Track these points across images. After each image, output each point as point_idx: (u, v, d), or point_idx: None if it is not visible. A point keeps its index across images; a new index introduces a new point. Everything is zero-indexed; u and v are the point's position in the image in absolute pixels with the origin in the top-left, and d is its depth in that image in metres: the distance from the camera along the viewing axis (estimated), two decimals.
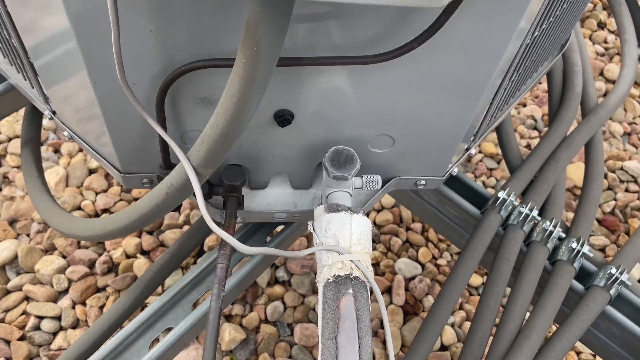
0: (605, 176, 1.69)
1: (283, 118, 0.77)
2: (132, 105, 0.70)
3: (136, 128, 0.81)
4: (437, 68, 0.73)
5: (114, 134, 0.82)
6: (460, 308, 1.35)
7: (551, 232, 1.03)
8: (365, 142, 0.86)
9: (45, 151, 1.54)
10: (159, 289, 1.25)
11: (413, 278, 1.37)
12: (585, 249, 1.00)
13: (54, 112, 0.92)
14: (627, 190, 1.68)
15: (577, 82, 1.17)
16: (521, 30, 0.69)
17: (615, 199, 1.64)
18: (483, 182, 1.62)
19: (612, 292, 0.94)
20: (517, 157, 1.16)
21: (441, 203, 1.14)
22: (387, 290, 1.40)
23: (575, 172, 1.66)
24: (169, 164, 0.84)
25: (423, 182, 0.97)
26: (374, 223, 1.54)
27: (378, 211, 1.56)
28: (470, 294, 1.38)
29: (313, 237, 0.81)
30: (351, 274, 0.73)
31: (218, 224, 0.77)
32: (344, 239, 0.77)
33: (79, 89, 0.79)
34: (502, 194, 1.05)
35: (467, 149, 0.98)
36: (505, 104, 0.98)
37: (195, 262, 1.37)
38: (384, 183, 0.93)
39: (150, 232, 1.38)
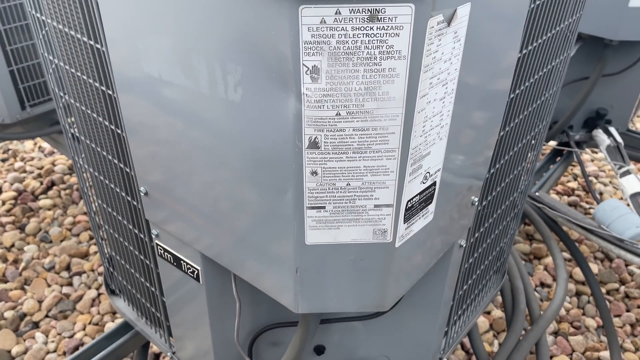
0: None
1: (319, 350, 1.04)
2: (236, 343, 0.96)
3: (237, 356, 1.03)
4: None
5: (217, 357, 1.03)
6: None
7: None
8: (370, 359, 1.08)
9: None
10: None
11: None
12: None
13: (174, 352, 1.16)
14: None
15: (521, 300, 1.45)
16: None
17: None
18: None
19: None
20: (485, 356, 1.40)
21: None
22: None
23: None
24: None
25: None
26: None
27: None
28: None
29: None
30: None
31: None
32: None
33: (201, 340, 1.04)
34: None
35: (440, 358, 1.16)
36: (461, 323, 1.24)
37: None
38: None
39: None
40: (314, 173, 0.66)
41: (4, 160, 2.83)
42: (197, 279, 0.93)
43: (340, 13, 0.54)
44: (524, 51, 0.82)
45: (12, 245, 2.29)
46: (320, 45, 0.56)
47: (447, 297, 1.03)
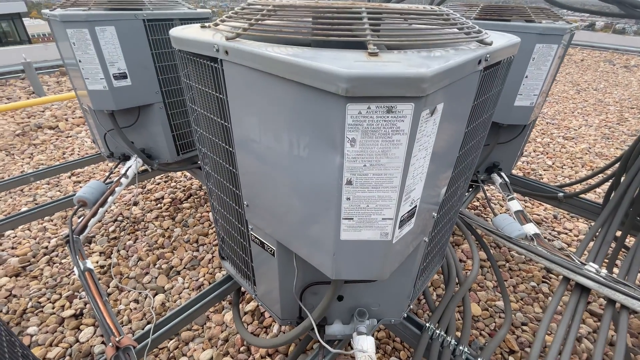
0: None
1: (340, 298, 0.97)
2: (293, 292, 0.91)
3: (293, 299, 0.97)
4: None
5: (282, 300, 0.97)
6: None
7: (449, 343, 1.05)
8: (369, 306, 1.00)
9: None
10: None
11: None
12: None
13: (255, 295, 1.10)
14: (500, 317, 1.69)
15: (453, 271, 1.36)
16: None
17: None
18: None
19: None
20: (432, 304, 1.30)
21: (402, 325, 1.16)
22: None
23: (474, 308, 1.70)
24: (300, 317, 1.02)
25: (393, 320, 1.04)
26: (377, 338, 1.49)
27: (378, 331, 1.53)
28: None
29: (353, 345, 0.90)
30: None
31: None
32: (363, 347, 0.88)
33: (273, 289, 0.98)
34: (429, 324, 1.11)
35: (409, 305, 1.08)
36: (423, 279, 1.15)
37: None
38: (377, 322, 1.03)
39: None
40: (348, 199, 0.61)
41: (165, 181, 2.84)
42: (273, 254, 0.89)
43: (370, 108, 0.51)
44: (467, 129, 0.77)
45: (168, 228, 2.26)
46: (357, 126, 0.53)
47: (416, 269, 0.97)
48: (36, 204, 2.41)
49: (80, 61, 1.50)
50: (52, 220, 2.27)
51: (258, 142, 0.69)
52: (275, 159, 0.68)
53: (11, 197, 2.48)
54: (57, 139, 3.39)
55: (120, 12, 1.51)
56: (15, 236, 2.12)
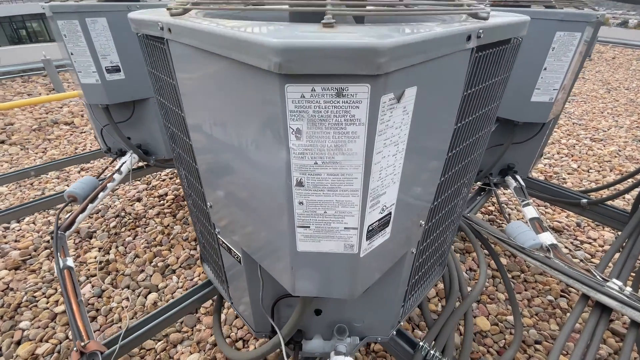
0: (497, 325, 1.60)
1: (318, 312, 0.87)
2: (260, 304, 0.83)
3: (263, 314, 0.89)
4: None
5: (254, 311, 0.89)
6: None
7: None
8: (352, 321, 0.90)
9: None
10: None
11: None
12: None
13: (232, 302, 1.02)
14: (511, 333, 1.54)
15: (455, 283, 1.24)
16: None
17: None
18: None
19: None
20: (430, 320, 1.17)
21: (394, 342, 1.08)
22: None
23: (480, 322, 1.57)
24: (274, 331, 0.93)
25: (380, 338, 0.95)
26: (374, 351, 1.37)
27: (375, 343, 1.39)
28: None
29: None
30: None
31: None
32: None
33: (244, 298, 0.90)
34: (422, 343, 1.01)
35: (399, 322, 0.98)
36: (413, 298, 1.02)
37: None
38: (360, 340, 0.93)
39: None
40: (301, 203, 0.51)
41: (170, 178, 2.82)
42: (240, 262, 0.80)
43: (315, 90, 0.40)
44: (459, 124, 0.65)
45: (168, 225, 2.23)
46: (301, 113, 0.42)
47: (403, 283, 0.85)
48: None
49: (72, 54, 1.46)
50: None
51: (208, 134, 0.60)
52: (224, 153, 0.59)
53: (21, 191, 2.52)
54: (71, 135, 3.45)
55: (113, 3, 1.46)
56: (20, 229, 2.14)
